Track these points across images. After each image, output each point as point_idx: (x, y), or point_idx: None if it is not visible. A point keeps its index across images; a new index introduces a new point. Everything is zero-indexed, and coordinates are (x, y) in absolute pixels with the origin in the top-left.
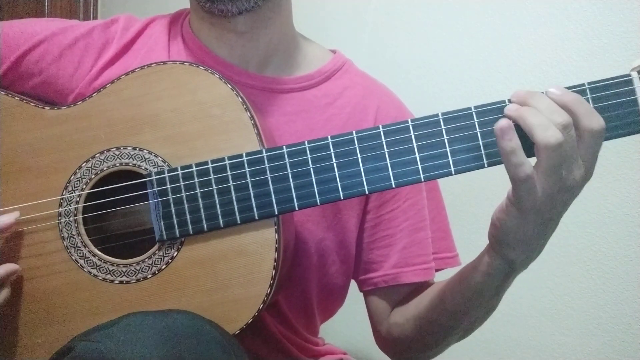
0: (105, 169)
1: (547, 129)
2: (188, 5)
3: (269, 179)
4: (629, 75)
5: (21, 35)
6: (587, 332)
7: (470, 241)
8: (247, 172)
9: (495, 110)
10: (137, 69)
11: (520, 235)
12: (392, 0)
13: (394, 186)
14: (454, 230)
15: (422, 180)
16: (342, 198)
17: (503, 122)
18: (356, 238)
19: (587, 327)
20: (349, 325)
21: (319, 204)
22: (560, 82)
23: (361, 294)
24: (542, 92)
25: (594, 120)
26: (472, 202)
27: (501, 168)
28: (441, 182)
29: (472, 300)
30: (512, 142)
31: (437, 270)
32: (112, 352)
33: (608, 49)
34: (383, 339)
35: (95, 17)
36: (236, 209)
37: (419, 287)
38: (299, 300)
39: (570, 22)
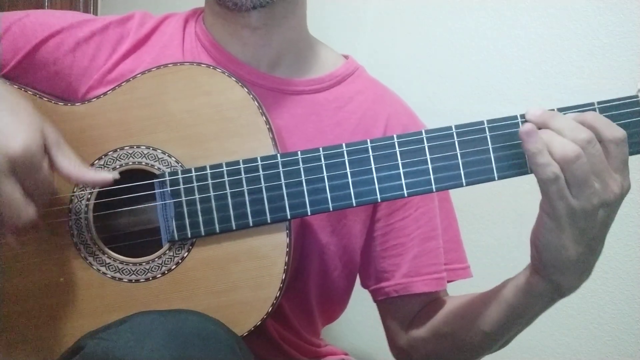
0: (117, 167)
1: (565, 144)
2: (189, 3)
3: (283, 183)
4: (636, 96)
5: (39, 25)
6: (587, 332)
7: (469, 241)
8: (261, 176)
9: (508, 126)
10: (153, 68)
11: (563, 253)
12: (392, 0)
13: (405, 195)
14: (468, 226)
15: (434, 190)
16: (354, 205)
17: (528, 126)
18: (364, 246)
19: (587, 327)
20: (350, 327)
21: (331, 210)
22: (560, 82)
23: (362, 295)
24: (557, 110)
25: (614, 130)
26: (472, 202)
27: None
28: None
29: (512, 322)
30: (538, 143)
31: (448, 282)
32: (121, 351)
33: (608, 49)
34: (401, 351)
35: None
36: (249, 212)
37: (433, 298)
38: (299, 302)
39: (570, 22)
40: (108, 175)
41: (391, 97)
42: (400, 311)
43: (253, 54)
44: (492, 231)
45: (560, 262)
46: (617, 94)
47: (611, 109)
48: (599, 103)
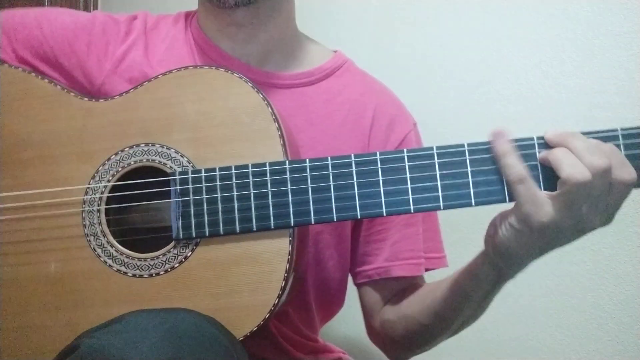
0: (132, 163)
1: (575, 165)
2: (187, 3)
3: (289, 190)
4: None
5: (55, 21)
6: (587, 332)
7: (469, 241)
8: (269, 181)
9: (522, 147)
10: (174, 70)
11: (518, 251)
12: (392, 0)
13: (412, 211)
14: (453, 232)
15: (442, 208)
16: (359, 217)
17: (497, 128)
18: (352, 231)
19: (587, 327)
20: (347, 325)
21: (335, 220)
22: (560, 82)
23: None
24: (578, 133)
25: (625, 172)
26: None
27: None
28: None
29: (461, 304)
30: (505, 145)
31: (425, 270)
32: (117, 351)
33: (608, 49)
34: (375, 333)
35: None
36: (254, 217)
37: (411, 284)
38: (298, 295)
39: (570, 22)
40: None
41: (379, 88)
42: (379, 294)
43: (242, 50)
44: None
45: (511, 255)
46: (617, 94)
47: (634, 136)
48: (622, 129)
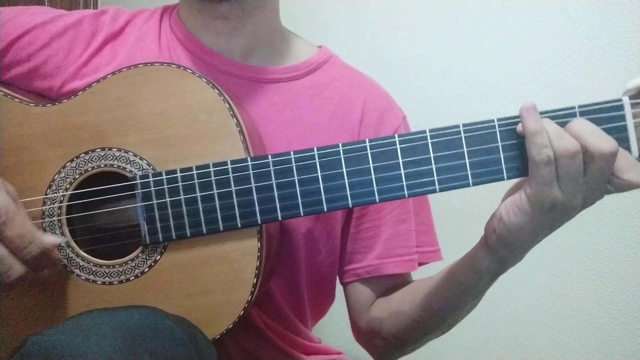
0: (89, 169)
1: (564, 137)
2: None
3: (253, 188)
4: (620, 100)
5: (10, 24)
6: (587, 332)
7: (469, 241)
8: (232, 180)
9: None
10: (123, 68)
11: (525, 236)
12: (392, 0)
13: (377, 201)
14: (455, 229)
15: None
16: (325, 210)
17: (529, 103)
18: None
19: (587, 327)
20: (345, 326)
21: (302, 215)
22: (560, 82)
23: None
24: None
25: (602, 142)
26: (472, 202)
27: None
28: None
29: (459, 298)
30: (538, 123)
31: (419, 264)
32: (65, 347)
33: (608, 49)
34: (361, 333)
35: None
36: (219, 217)
37: (401, 280)
38: (290, 290)
39: (570, 22)
40: (57, 240)
41: (367, 82)
42: (367, 293)
43: (226, 44)
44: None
45: (517, 243)
46: (617, 94)
47: (592, 112)
48: (580, 107)
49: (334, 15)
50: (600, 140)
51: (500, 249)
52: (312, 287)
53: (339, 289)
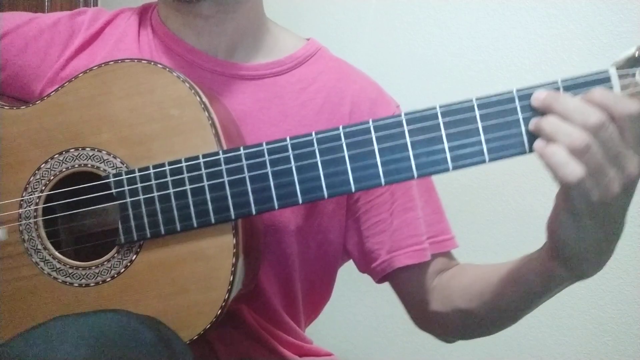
0: (64, 170)
1: (572, 135)
2: None
3: (226, 182)
4: (606, 71)
5: None
6: (587, 332)
7: (469, 241)
8: (204, 175)
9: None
10: (94, 67)
11: (582, 245)
12: (392, 0)
13: (353, 190)
14: (468, 225)
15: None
16: (300, 202)
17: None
18: (350, 230)
19: (587, 327)
20: (336, 327)
21: (276, 208)
22: None
23: (346, 294)
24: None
25: (627, 105)
26: (472, 202)
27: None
28: (455, 179)
29: (530, 303)
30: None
31: (438, 254)
32: (25, 355)
33: (608, 49)
34: (423, 323)
35: None
36: (193, 213)
37: (443, 268)
38: (282, 289)
39: (570, 22)
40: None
41: (356, 74)
42: (403, 287)
43: (209, 42)
44: (492, 231)
45: (580, 253)
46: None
47: (576, 87)
48: (563, 81)
49: (334, 15)
50: (624, 103)
51: (569, 262)
52: (306, 283)
53: (337, 288)
